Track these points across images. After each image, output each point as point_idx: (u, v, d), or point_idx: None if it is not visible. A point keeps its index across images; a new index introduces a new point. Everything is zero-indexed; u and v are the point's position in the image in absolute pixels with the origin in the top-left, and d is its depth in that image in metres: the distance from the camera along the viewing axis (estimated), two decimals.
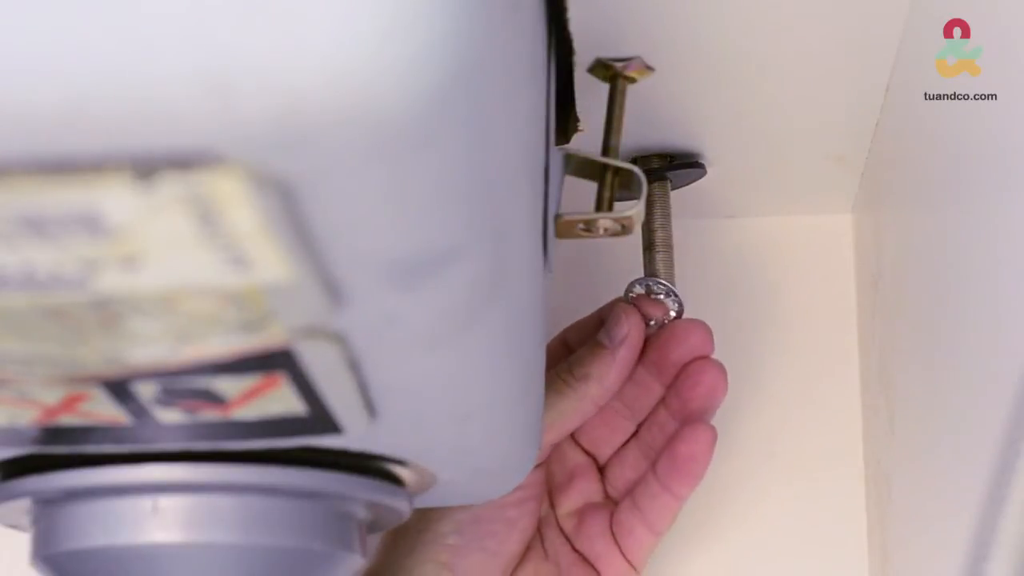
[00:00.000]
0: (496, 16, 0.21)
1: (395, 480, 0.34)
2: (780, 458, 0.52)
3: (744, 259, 0.53)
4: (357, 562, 0.34)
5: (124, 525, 0.31)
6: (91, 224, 0.19)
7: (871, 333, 0.50)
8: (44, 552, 0.32)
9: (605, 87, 0.40)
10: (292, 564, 0.32)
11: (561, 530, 0.47)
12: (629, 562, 0.46)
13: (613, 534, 0.46)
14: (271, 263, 0.20)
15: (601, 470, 0.48)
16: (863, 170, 0.50)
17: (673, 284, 0.46)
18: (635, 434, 0.48)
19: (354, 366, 0.25)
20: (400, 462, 0.33)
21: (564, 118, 0.40)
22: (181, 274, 0.20)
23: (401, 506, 0.34)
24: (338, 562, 0.33)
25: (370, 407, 0.28)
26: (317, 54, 0.17)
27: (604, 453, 0.48)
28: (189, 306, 0.21)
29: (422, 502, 0.37)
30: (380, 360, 0.26)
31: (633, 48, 0.39)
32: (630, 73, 0.40)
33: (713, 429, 0.45)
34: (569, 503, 0.47)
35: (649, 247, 0.47)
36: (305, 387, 0.26)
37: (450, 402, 0.29)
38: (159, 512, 0.30)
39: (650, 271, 0.46)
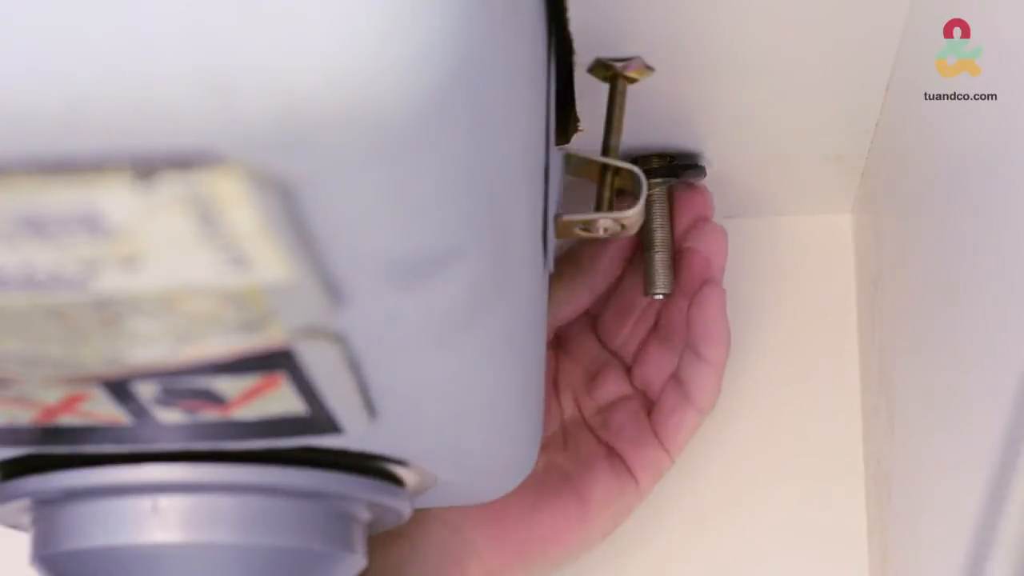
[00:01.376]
0: (496, 16, 0.21)
1: (395, 480, 0.34)
2: (780, 458, 0.52)
3: (744, 259, 0.53)
4: (358, 562, 0.34)
5: (124, 525, 0.31)
6: (91, 224, 0.19)
7: (871, 333, 0.50)
8: (44, 552, 0.32)
9: (605, 87, 0.40)
10: (292, 564, 0.32)
11: (587, 425, 0.48)
12: (663, 446, 0.46)
13: (651, 419, 0.47)
14: (271, 263, 0.20)
15: (628, 370, 0.48)
16: (863, 170, 0.50)
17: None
18: (655, 328, 0.48)
19: (354, 366, 0.25)
20: (400, 462, 0.33)
21: (564, 118, 0.40)
22: (181, 274, 0.20)
23: (401, 506, 0.34)
24: (338, 562, 0.33)
25: (370, 407, 0.28)
26: (317, 54, 0.17)
27: (629, 349, 0.48)
28: (189, 306, 0.21)
29: (422, 502, 0.37)
30: (380, 360, 0.26)
31: (633, 48, 0.39)
32: (630, 73, 0.40)
33: (720, 288, 0.45)
34: (596, 400, 0.48)
35: (649, 247, 0.47)
36: (305, 387, 0.26)
37: (450, 402, 0.29)
38: (159, 512, 0.30)
39: (649, 271, 0.47)
